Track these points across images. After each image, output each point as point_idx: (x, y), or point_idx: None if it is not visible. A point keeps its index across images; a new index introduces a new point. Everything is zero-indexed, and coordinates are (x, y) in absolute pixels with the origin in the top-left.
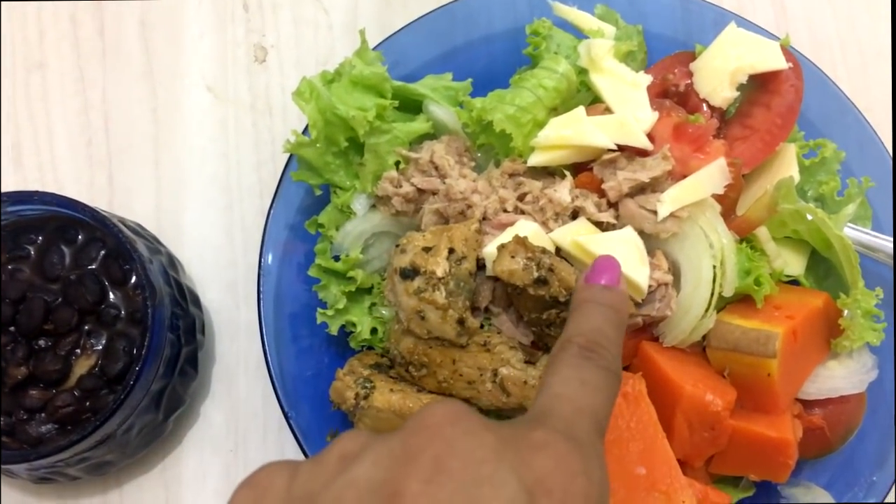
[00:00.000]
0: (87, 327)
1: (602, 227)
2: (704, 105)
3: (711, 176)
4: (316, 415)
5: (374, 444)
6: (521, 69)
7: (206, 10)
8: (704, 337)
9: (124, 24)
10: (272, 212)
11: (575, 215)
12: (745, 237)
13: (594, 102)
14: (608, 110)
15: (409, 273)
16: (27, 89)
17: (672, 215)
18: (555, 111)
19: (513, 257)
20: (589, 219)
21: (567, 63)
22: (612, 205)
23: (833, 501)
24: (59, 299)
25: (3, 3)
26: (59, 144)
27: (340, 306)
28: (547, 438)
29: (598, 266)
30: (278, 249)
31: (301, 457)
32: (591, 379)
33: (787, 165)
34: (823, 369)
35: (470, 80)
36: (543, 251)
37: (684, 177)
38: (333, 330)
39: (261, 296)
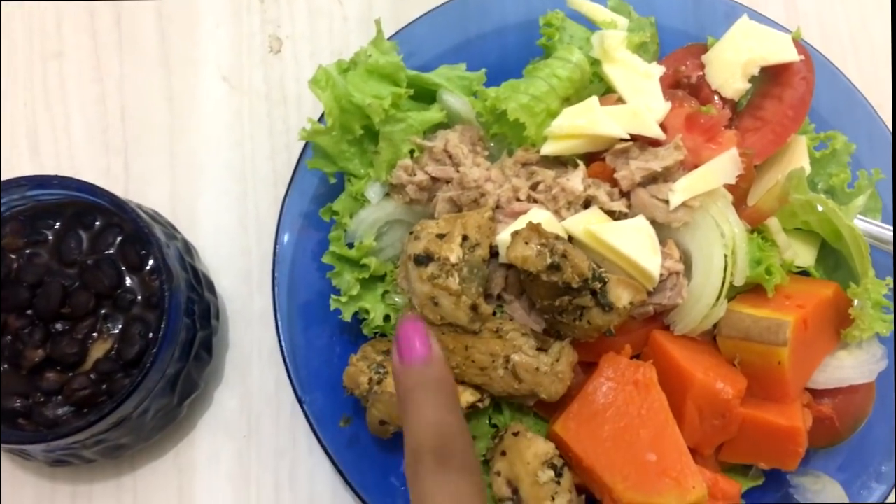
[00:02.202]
0: (103, 311)
1: (614, 215)
2: (716, 96)
3: (723, 166)
4: (329, 400)
5: None
6: (535, 60)
7: (222, 1)
8: (715, 326)
9: (141, 14)
10: (287, 199)
11: (587, 204)
12: (756, 227)
13: (607, 93)
14: (621, 100)
15: (422, 259)
16: (45, 78)
17: (684, 204)
18: (568, 101)
19: (527, 243)
20: (601, 208)
21: (581, 53)
22: (625, 194)
23: (842, 490)
24: (77, 283)
25: None
26: (76, 132)
27: (354, 293)
28: None
29: (402, 337)
30: (293, 237)
31: (314, 442)
32: (460, 492)
33: (798, 157)
34: (833, 359)
35: (484, 70)
36: (557, 238)
37: (696, 167)
38: (347, 316)
39: (275, 282)
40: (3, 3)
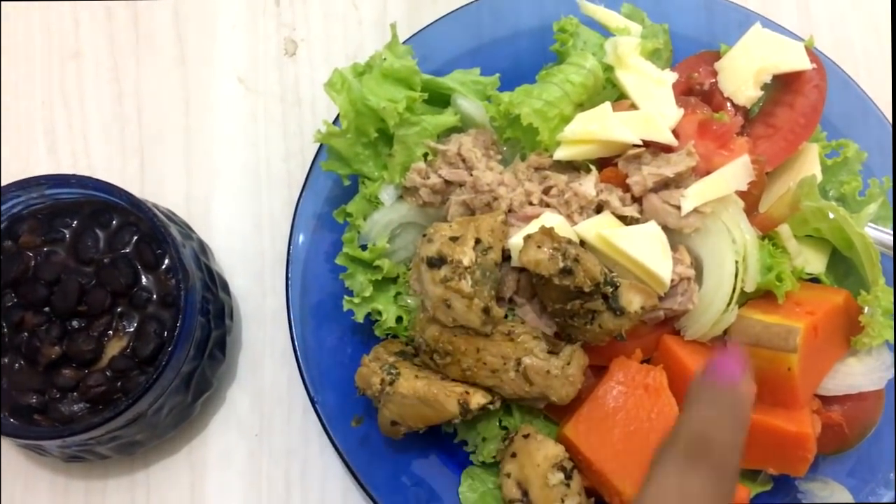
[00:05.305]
0: (119, 309)
1: (626, 221)
2: (729, 103)
3: (735, 172)
4: (340, 400)
5: None
6: (548, 66)
7: (239, 3)
8: (726, 331)
9: (158, 15)
10: (301, 201)
11: (599, 209)
12: (767, 234)
13: (620, 99)
14: (634, 107)
15: (435, 262)
16: (63, 78)
17: (695, 211)
18: (581, 107)
19: (539, 247)
20: (613, 213)
21: (594, 59)
22: (637, 199)
23: (850, 496)
24: (93, 282)
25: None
26: (92, 132)
27: (367, 294)
28: None
29: (720, 359)
30: (306, 238)
31: (325, 441)
32: (694, 491)
33: (810, 164)
34: (842, 366)
35: (498, 74)
36: (569, 242)
37: (708, 173)
38: (359, 317)
39: (289, 282)
40: (21, 2)
